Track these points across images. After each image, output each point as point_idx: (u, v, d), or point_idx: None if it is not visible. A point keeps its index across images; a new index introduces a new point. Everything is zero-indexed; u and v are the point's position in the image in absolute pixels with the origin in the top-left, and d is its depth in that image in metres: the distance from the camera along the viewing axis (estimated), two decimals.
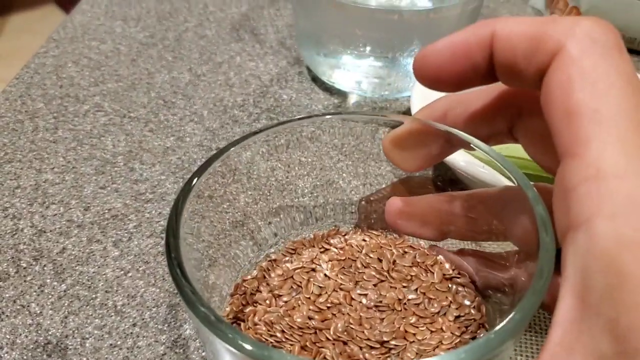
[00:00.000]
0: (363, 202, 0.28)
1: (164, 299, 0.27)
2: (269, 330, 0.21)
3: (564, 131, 0.14)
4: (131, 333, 0.26)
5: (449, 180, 0.28)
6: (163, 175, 0.35)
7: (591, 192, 0.13)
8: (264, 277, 0.23)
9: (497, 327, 0.14)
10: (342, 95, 0.42)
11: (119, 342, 0.25)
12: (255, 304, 0.22)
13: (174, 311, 0.27)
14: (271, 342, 0.21)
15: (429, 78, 0.18)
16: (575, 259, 0.13)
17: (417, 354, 0.20)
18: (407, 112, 0.40)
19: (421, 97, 0.32)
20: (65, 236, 0.31)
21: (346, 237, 0.25)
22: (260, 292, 0.23)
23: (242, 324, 0.22)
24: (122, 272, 0.29)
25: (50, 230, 0.31)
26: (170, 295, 0.27)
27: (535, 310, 0.15)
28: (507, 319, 0.14)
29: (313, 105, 0.41)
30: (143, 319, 0.26)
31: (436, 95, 0.21)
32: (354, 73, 0.41)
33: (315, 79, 0.44)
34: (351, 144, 0.27)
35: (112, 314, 0.27)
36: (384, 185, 0.28)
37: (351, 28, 0.37)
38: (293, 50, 0.48)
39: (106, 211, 0.32)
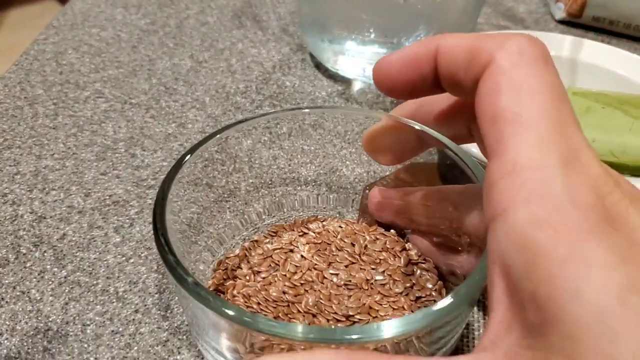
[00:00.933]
0: (367, 190, 0.28)
1: (167, 285, 0.27)
2: (246, 302, 0.22)
3: (491, 134, 0.15)
4: (133, 319, 0.25)
5: (453, 165, 0.28)
6: (165, 162, 0.34)
7: (508, 185, 0.14)
8: (246, 255, 0.25)
9: (442, 300, 0.16)
10: (346, 82, 0.42)
11: (120, 329, 0.25)
12: (235, 279, 0.24)
13: (176, 297, 0.26)
14: None
15: (385, 86, 0.20)
16: (497, 245, 0.14)
17: None
18: None
19: None
20: (66, 222, 0.30)
21: (324, 223, 0.27)
22: (241, 268, 0.24)
23: (221, 295, 0.23)
24: (124, 258, 0.28)
25: (51, 217, 0.30)
26: None
27: (480, 287, 0.17)
28: (451, 294, 0.16)
29: (317, 92, 0.41)
30: (145, 305, 0.26)
31: None
32: (358, 59, 0.40)
33: (319, 66, 0.43)
34: (355, 131, 0.26)
35: (114, 300, 0.26)
36: (387, 173, 0.28)
37: (357, 12, 0.37)
38: (296, 37, 0.47)
39: (107, 197, 0.32)
